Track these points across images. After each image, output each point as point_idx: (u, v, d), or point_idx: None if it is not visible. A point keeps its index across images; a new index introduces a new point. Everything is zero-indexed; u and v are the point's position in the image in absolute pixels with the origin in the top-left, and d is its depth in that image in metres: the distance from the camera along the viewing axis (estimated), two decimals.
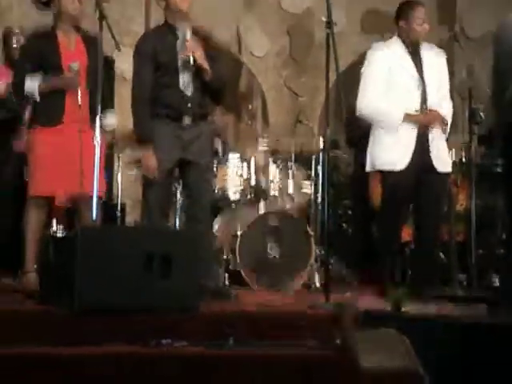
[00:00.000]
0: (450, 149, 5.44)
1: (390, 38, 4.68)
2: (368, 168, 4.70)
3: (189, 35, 4.40)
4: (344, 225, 6.87)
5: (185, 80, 4.45)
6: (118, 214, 5.89)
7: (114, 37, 4.09)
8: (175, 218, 5.58)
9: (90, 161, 3.99)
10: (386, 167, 4.54)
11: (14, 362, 3.18)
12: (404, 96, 4.50)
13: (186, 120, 4.45)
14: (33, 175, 4.29)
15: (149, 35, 4.64)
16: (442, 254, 5.56)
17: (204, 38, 4.58)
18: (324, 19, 4.30)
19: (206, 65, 4.42)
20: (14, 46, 5.33)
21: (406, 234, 5.29)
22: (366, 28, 7.77)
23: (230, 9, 7.42)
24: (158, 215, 4.47)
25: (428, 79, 4.54)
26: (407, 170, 4.44)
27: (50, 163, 4.22)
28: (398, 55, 4.55)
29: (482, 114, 4.47)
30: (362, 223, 6.41)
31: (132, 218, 6.75)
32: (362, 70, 4.62)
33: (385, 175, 4.56)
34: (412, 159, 4.45)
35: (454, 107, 4.74)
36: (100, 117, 4.07)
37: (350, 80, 7.02)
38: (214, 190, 5.50)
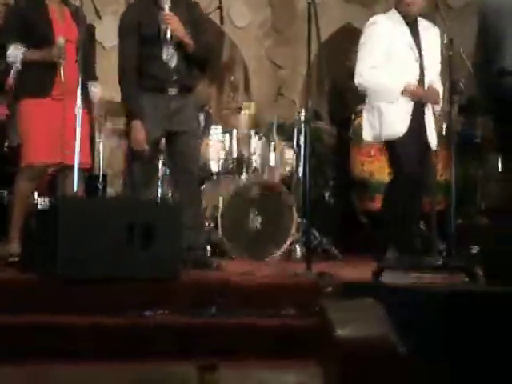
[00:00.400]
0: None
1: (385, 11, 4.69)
2: (368, 138, 4.71)
3: (167, 8, 4.37)
4: (326, 195, 6.90)
5: (168, 51, 4.44)
6: (100, 185, 5.88)
7: (94, 4, 4.06)
8: (157, 189, 5.58)
9: (74, 132, 4.00)
10: (388, 137, 4.57)
11: None
12: (403, 68, 4.53)
13: (171, 91, 4.44)
14: (26, 145, 4.26)
15: (133, 7, 4.60)
16: (422, 224, 5.62)
17: (188, 7, 4.55)
18: None
19: (186, 38, 4.40)
20: None
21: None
22: None
23: None
24: (142, 187, 4.48)
25: (425, 53, 4.58)
26: (406, 135, 4.49)
27: (41, 133, 4.21)
28: (398, 28, 4.58)
29: (462, 85, 4.50)
30: (344, 193, 6.44)
31: (113, 188, 6.75)
32: (362, 40, 4.62)
33: (390, 144, 4.59)
34: (409, 128, 4.50)
35: None
36: (86, 88, 4.07)
37: (332, 51, 7.03)
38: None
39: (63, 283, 3.54)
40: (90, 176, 5.80)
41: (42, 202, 3.84)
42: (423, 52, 4.58)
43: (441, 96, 4.65)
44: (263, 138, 5.95)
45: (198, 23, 4.54)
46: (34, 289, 3.56)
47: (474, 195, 5.69)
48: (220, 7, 6.09)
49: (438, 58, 4.69)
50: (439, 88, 4.67)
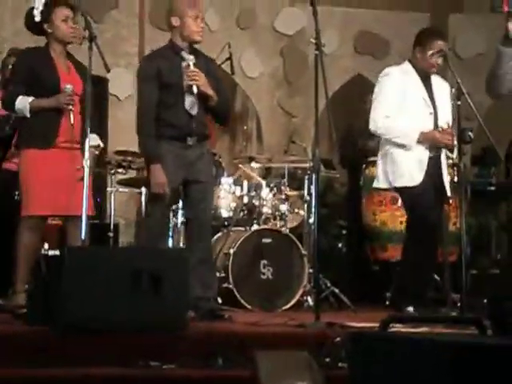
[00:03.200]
0: None
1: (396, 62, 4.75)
2: (381, 185, 4.72)
3: (192, 64, 4.44)
4: (339, 244, 6.86)
5: (190, 100, 4.48)
6: (111, 234, 5.88)
7: (103, 58, 4.11)
8: (168, 238, 5.57)
9: (76, 182, 4.02)
10: (402, 184, 4.57)
11: (3, 383, 3.16)
12: (417, 119, 4.56)
13: (191, 140, 4.48)
14: (27, 196, 4.27)
15: (153, 56, 4.66)
16: (435, 275, 5.55)
17: (207, 61, 4.63)
18: (312, 40, 4.32)
19: (210, 91, 4.46)
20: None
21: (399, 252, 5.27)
22: (358, 49, 7.81)
23: (223, 29, 7.46)
24: (159, 233, 4.50)
25: (439, 103, 4.61)
26: (422, 185, 4.47)
27: (42, 184, 4.21)
28: (412, 80, 4.61)
29: (470, 133, 4.49)
30: (356, 242, 6.40)
31: (125, 238, 6.75)
32: (376, 89, 4.67)
33: (402, 192, 4.58)
34: (425, 177, 4.49)
35: None
36: (88, 137, 4.11)
37: (343, 100, 7.08)
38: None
39: (69, 335, 3.50)
40: (101, 226, 5.81)
41: (51, 251, 3.84)
42: (437, 105, 4.60)
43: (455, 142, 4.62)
44: (274, 187, 5.95)
45: (216, 77, 4.61)
46: (40, 341, 3.52)
47: (487, 245, 5.64)
48: (230, 58, 6.15)
49: (449, 114, 4.69)
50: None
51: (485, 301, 4.80)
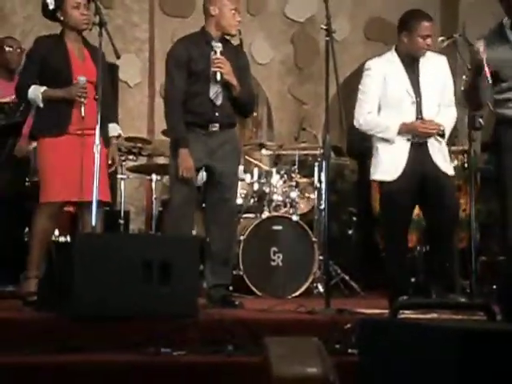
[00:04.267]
0: (454, 156, 5.45)
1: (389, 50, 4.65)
2: (371, 176, 4.72)
3: (219, 52, 4.47)
4: (349, 231, 6.87)
5: (215, 89, 4.51)
6: (121, 221, 5.90)
7: (113, 44, 4.12)
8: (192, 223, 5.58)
9: (93, 168, 4.03)
10: (380, 177, 4.56)
11: (12, 370, 3.18)
12: (399, 109, 4.50)
13: (213, 127, 4.52)
14: (44, 183, 4.29)
15: (184, 42, 4.66)
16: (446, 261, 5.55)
17: (237, 53, 4.67)
18: (323, 27, 4.31)
19: (234, 81, 4.50)
20: (9, 50, 5.34)
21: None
22: (369, 36, 7.78)
23: None
24: (182, 216, 4.51)
25: (424, 91, 4.51)
26: (400, 179, 4.43)
27: (59, 171, 4.24)
28: (394, 70, 4.53)
29: (480, 120, 4.46)
30: (366, 230, 6.41)
31: (136, 225, 6.77)
32: (359, 85, 4.63)
33: (380, 185, 4.58)
34: (406, 169, 4.44)
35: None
36: (106, 126, 4.15)
37: (352, 88, 7.05)
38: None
39: (78, 322, 3.53)
40: (111, 213, 5.84)
41: (63, 237, 3.87)
42: (422, 89, 4.50)
43: (448, 126, 4.55)
44: (285, 174, 5.96)
45: (244, 70, 4.65)
46: (49, 328, 3.55)
47: (497, 232, 5.62)
48: (241, 44, 6.14)
49: (448, 85, 4.57)
50: (447, 116, 4.54)
51: (494, 287, 4.83)
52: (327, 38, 4.30)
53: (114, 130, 4.46)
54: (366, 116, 4.55)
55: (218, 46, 4.49)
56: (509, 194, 3.86)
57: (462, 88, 4.11)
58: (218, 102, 4.52)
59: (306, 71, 7.74)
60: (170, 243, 3.88)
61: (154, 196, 6.08)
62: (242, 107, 4.64)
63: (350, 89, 6.73)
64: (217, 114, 4.51)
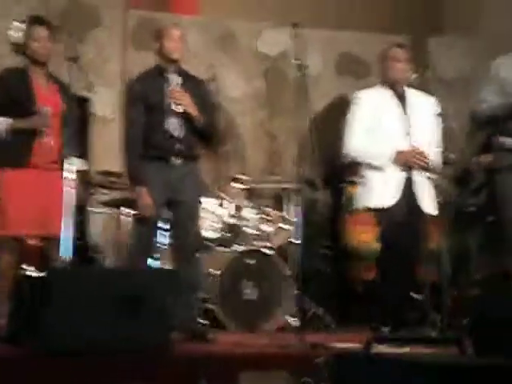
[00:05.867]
0: None
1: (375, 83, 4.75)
2: (361, 205, 4.73)
3: (175, 84, 4.49)
4: (323, 265, 6.87)
5: (174, 122, 4.51)
6: (93, 255, 5.86)
7: (85, 77, 4.13)
8: (155, 258, 5.57)
9: (59, 201, 4.02)
10: (375, 204, 4.56)
11: None
12: (391, 140, 4.55)
13: (175, 160, 4.50)
14: (2, 216, 4.26)
15: (140, 77, 4.70)
16: (416, 294, 5.57)
17: (197, 84, 4.67)
18: (295, 62, 4.36)
19: (194, 112, 4.51)
20: None
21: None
22: (341, 70, 7.86)
23: (206, 49, 7.50)
24: (141, 254, 4.53)
25: (414, 122, 4.58)
26: (396, 207, 4.47)
27: (19, 204, 4.21)
28: (385, 101, 4.62)
29: (452, 155, 4.53)
30: (340, 263, 6.41)
31: (107, 259, 6.72)
32: (348, 114, 4.68)
33: (377, 214, 4.59)
34: (399, 200, 4.48)
35: None
36: (68, 160, 4.13)
37: (325, 121, 7.11)
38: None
39: (51, 356, 3.49)
40: (83, 246, 5.79)
41: (32, 271, 3.83)
42: (412, 124, 4.58)
43: (436, 161, 4.60)
44: (258, 208, 5.96)
45: (205, 100, 4.65)
46: (20, 363, 3.50)
47: (468, 265, 5.67)
48: (214, 79, 6.18)
49: (432, 128, 4.67)
50: (432, 156, 4.64)
51: (465, 321, 4.83)
52: (299, 73, 4.35)
53: (77, 163, 4.44)
54: (356, 143, 4.58)
55: (175, 80, 4.52)
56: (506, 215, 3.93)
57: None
58: (177, 133, 4.51)
59: (278, 105, 7.80)
60: (143, 277, 3.86)
61: (126, 229, 6.04)
62: (206, 139, 4.64)
63: (322, 122, 6.79)
64: (177, 146, 4.50)
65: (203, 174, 6.60)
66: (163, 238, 5.50)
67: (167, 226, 5.30)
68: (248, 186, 6.42)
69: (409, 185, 4.53)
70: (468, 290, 5.51)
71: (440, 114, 4.40)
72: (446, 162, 4.52)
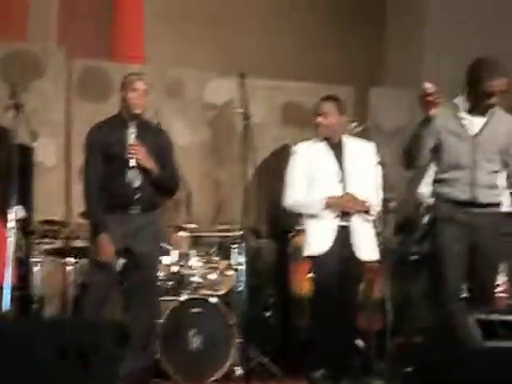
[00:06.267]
0: None
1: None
2: (302, 255, 4.82)
3: (133, 137, 4.50)
4: (267, 313, 6.86)
5: (133, 173, 4.55)
6: (35, 306, 5.75)
7: (28, 127, 4.12)
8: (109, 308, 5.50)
9: (2, 252, 3.96)
10: (310, 253, 4.66)
11: None
12: (325, 187, 4.65)
13: (133, 209, 4.51)
14: None
15: (100, 125, 4.74)
16: (361, 342, 5.59)
17: (156, 134, 4.72)
18: (240, 111, 4.43)
19: (150, 165, 4.54)
20: None
21: None
22: (285, 119, 7.97)
23: (152, 97, 7.52)
24: (100, 302, 4.51)
25: (349, 170, 4.69)
26: (329, 254, 4.54)
27: None
28: (320, 152, 4.72)
29: (393, 204, 4.62)
30: (285, 312, 6.41)
31: (51, 310, 6.60)
32: (287, 167, 4.79)
33: (312, 261, 4.66)
34: (333, 246, 4.54)
35: None
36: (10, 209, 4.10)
37: (270, 170, 7.17)
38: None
39: None
40: (25, 297, 5.69)
41: None
42: (347, 169, 4.68)
43: (376, 205, 4.68)
44: (203, 256, 5.96)
45: (164, 151, 4.70)
46: None
47: (411, 313, 5.72)
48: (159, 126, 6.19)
49: (371, 173, 4.75)
50: (375, 198, 4.69)
51: (409, 368, 4.86)
52: (244, 122, 4.41)
53: (19, 211, 4.40)
54: (293, 196, 4.69)
55: (131, 132, 4.57)
56: (445, 264, 3.99)
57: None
58: (136, 184, 4.54)
59: (224, 153, 7.84)
60: (89, 329, 3.79)
61: (71, 279, 5.96)
62: (164, 188, 4.67)
63: (268, 170, 6.86)
64: (136, 196, 4.53)
65: None
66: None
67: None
68: (194, 235, 6.42)
69: (345, 233, 4.60)
70: (411, 338, 5.56)
71: (380, 163, 4.48)
72: (387, 211, 4.60)
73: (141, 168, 4.54)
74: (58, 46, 7.45)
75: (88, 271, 4.66)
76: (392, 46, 8.47)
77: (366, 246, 4.66)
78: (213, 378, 5.37)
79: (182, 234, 6.32)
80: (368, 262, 4.67)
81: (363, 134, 4.99)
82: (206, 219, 7.10)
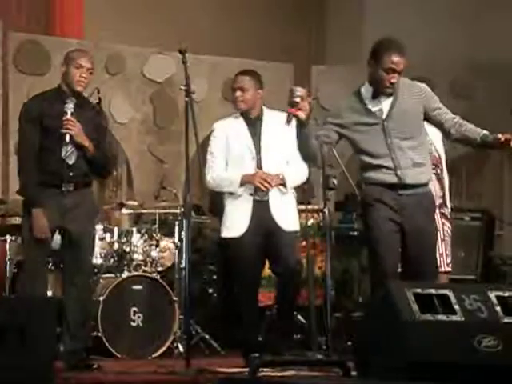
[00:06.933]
0: (310, 214, 5.63)
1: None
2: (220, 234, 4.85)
3: (69, 112, 4.44)
4: (209, 289, 6.88)
5: (67, 149, 4.46)
6: None
7: None
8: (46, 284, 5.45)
9: None
10: (226, 234, 4.73)
11: None
12: (241, 165, 4.70)
13: (66, 187, 4.46)
14: None
15: (37, 98, 4.66)
16: (301, 317, 5.67)
17: (93, 112, 4.66)
18: (182, 87, 4.40)
19: (85, 142, 4.48)
20: None
21: (267, 297, 5.36)
22: (227, 96, 7.96)
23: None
24: (38, 277, 4.47)
25: (265, 146, 4.72)
26: (246, 235, 4.58)
27: None
28: (236, 128, 4.76)
29: (334, 180, 4.66)
30: (227, 288, 6.44)
31: None
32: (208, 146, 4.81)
33: (227, 242, 4.69)
34: (250, 226, 4.59)
35: (311, 175, 4.89)
36: None
37: None
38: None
39: None
40: None
41: None
42: (262, 145, 4.71)
43: (292, 178, 4.69)
44: (145, 233, 5.94)
45: (100, 130, 4.65)
46: None
47: (351, 288, 5.81)
48: (99, 103, 6.12)
49: (291, 144, 4.74)
50: (290, 170, 4.70)
51: (349, 343, 4.96)
52: (186, 99, 4.39)
53: None
54: (212, 174, 4.73)
55: (69, 107, 4.49)
56: (377, 243, 4.02)
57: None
58: (71, 161, 4.49)
59: (166, 130, 7.81)
60: (25, 306, 3.76)
61: (8, 257, 5.87)
62: (98, 168, 4.62)
63: (208, 147, 6.85)
64: (71, 173, 4.47)
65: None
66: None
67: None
68: (136, 212, 6.39)
69: (264, 207, 4.64)
70: (351, 313, 5.66)
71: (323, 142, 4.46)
72: (329, 188, 4.64)
73: (76, 145, 4.47)
74: None
75: (24, 248, 4.58)
76: (333, 25, 8.53)
77: (287, 217, 4.70)
78: (155, 355, 5.37)
79: (123, 211, 6.29)
80: (291, 232, 4.70)
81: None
82: (148, 196, 7.07)
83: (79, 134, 4.46)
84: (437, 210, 4.39)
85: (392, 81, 4.01)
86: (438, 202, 4.55)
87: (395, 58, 3.99)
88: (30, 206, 4.43)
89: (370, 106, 4.07)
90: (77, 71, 4.51)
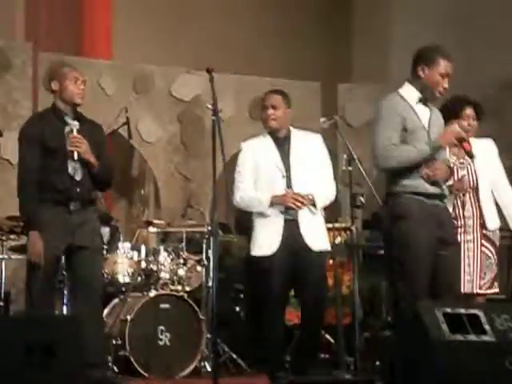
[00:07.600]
0: (337, 232, 5.59)
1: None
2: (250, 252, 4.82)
3: (75, 130, 4.44)
4: (236, 308, 6.87)
5: (74, 165, 4.46)
6: (1, 303, 5.69)
7: None
8: (62, 306, 5.45)
9: None
10: (257, 253, 4.69)
11: None
12: (270, 183, 4.68)
13: (74, 205, 4.44)
14: None
15: (35, 119, 4.64)
16: (329, 337, 5.62)
17: (93, 128, 4.63)
18: (209, 106, 4.41)
19: (91, 159, 4.47)
20: None
21: (295, 316, 5.33)
22: (253, 115, 7.98)
23: (120, 94, 7.49)
24: (42, 303, 4.39)
25: (294, 165, 4.71)
26: (277, 254, 4.55)
27: None
28: (265, 149, 4.75)
29: (361, 198, 4.63)
30: (254, 307, 6.41)
31: (17, 306, 6.54)
32: (236, 165, 4.80)
33: (257, 260, 4.67)
34: (281, 244, 4.57)
35: (338, 192, 4.87)
36: None
37: None
38: (103, 275, 5.43)
39: None
40: None
41: None
42: (292, 164, 4.70)
43: (323, 199, 4.68)
44: (172, 252, 5.94)
45: (100, 145, 4.62)
46: None
47: (379, 307, 5.75)
48: (127, 122, 6.17)
49: (322, 161, 4.74)
50: (321, 191, 4.70)
51: (377, 363, 4.90)
52: (213, 117, 4.39)
53: None
54: (240, 193, 4.71)
55: (74, 125, 4.47)
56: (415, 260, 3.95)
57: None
58: (78, 177, 4.47)
59: (193, 149, 7.84)
60: (52, 324, 3.77)
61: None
62: (98, 182, 4.60)
63: (235, 167, 6.86)
64: (78, 190, 4.46)
65: (120, 218, 6.59)
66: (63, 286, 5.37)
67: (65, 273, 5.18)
68: (163, 230, 6.40)
69: (294, 226, 4.62)
70: (379, 333, 5.60)
71: (351, 159, 4.47)
72: (356, 206, 4.61)
73: (81, 161, 4.47)
74: (26, 41, 7.40)
75: (27, 270, 4.53)
76: (359, 43, 8.53)
77: (317, 237, 4.67)
78: (182, 374, 5.36)
79: (150, 229, 6.31)
80: (321, 252, 4.67)
81: (332, 128, 5.00)
82: (175, 215, 7.08)
83: (87, 151, 4.45)
84: (478, 230, 4.36)
85: (445, 86, 4.02)
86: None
87: (450, 63, 4.01)
88: (27, 228, 4.41)
89: (416, 109, 4.07)
90: (74, 85, 4.50)
